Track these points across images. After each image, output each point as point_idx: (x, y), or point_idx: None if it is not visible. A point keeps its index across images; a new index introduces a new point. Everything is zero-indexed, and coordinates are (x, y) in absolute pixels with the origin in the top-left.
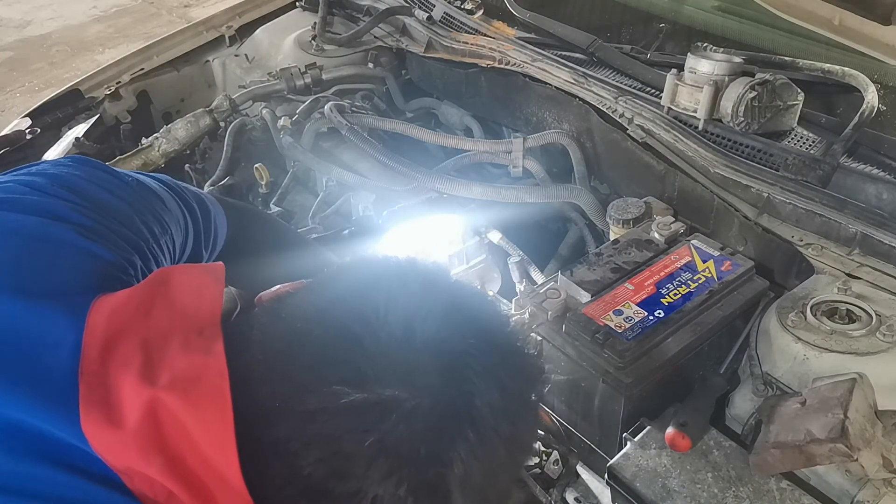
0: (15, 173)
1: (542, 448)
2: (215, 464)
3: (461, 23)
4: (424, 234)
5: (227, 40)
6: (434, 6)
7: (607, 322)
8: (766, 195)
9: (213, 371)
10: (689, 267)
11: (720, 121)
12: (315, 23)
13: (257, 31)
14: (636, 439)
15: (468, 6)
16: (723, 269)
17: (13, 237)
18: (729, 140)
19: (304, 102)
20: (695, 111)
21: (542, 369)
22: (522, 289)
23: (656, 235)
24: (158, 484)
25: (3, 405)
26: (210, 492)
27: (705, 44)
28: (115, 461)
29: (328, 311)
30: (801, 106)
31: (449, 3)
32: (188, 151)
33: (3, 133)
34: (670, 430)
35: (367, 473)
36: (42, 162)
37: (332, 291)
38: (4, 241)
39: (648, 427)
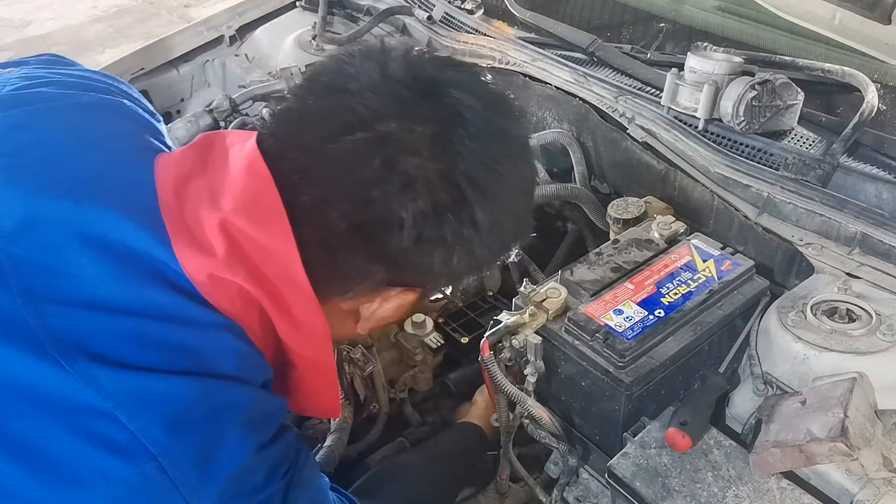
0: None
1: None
2: (284, 266)
3: (461, 22)
4: None
5: (227, 40)
6: (434, 6)
7: (607, 321)
8: (766, 195)
9: (265, 190)
10: (690, 266)
11: (720, 120)
12: (315, 23)
13: (257, 30)
14: (636, 439)
15: (468, 6)
16: (723, 268)
17: (99, 108)
18: (729, 140)
19: None
20: (695, 111)
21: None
22: (522, 289)
23: (656, 235)
24: (237, 294)
25: (119, 232)
26: (279, 291)
27: (705, 43)
28: (202, 278)
29: (311, 86)
30: (801, 106)
31: (449, 2)
32: None
33: None
34: (670, 430)
35: (385, 194)
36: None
37: (310, 82)
38: (95, 113)
39: (648, 426)
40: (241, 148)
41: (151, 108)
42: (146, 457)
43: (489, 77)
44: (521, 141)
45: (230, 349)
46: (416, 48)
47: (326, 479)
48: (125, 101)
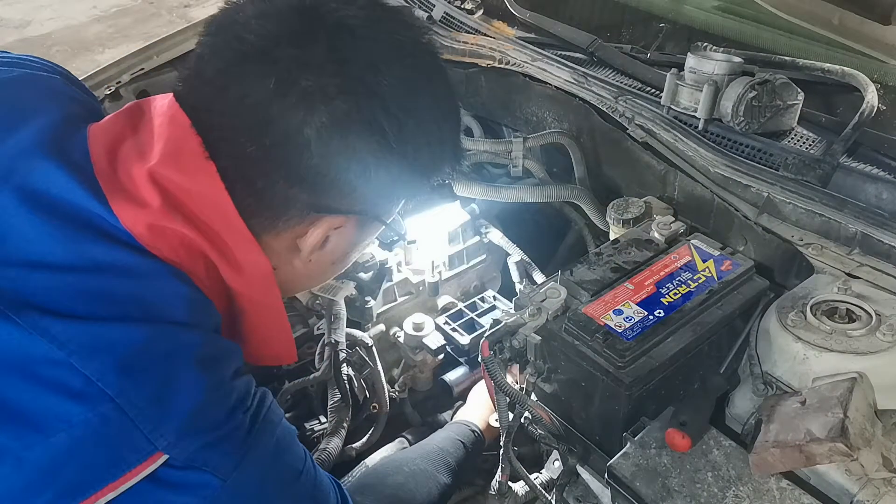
0: None
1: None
2: (217, 208)
3: (461, 22)
4: (427, 223)
5: None
6: (434, 6)
7: (607, 322)
8: (766, 195)
9: (186, 136)
10: (689, 266)
11: (720, 120)
12: None
13: None
14: (636, 439)
15: (468, 6)
16: (723, 268)
17: (29, 84)
18: (729, 140)
19: None
20: (695, 111)
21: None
22: (522, 289)
23: (656, 235)
24: (179, 242)
25: (58, 187)
26: (218, 234)
27: (705, 44)
28: (141, 229)
29: (207, 29)
30: (801, 106)
31: (449, 2)
32: None
33: None
34: (670, 430)
35: (284, 113)
36: None
37: (206, 27)
38: (26, 86)
39: (648, 426)
40: (163, 104)
41: (91, 92)
42: (103, 399)
43: None
44: (413, 41)
45: (176, 295)
46: None
47: (294, 428)
48: (59, 78)
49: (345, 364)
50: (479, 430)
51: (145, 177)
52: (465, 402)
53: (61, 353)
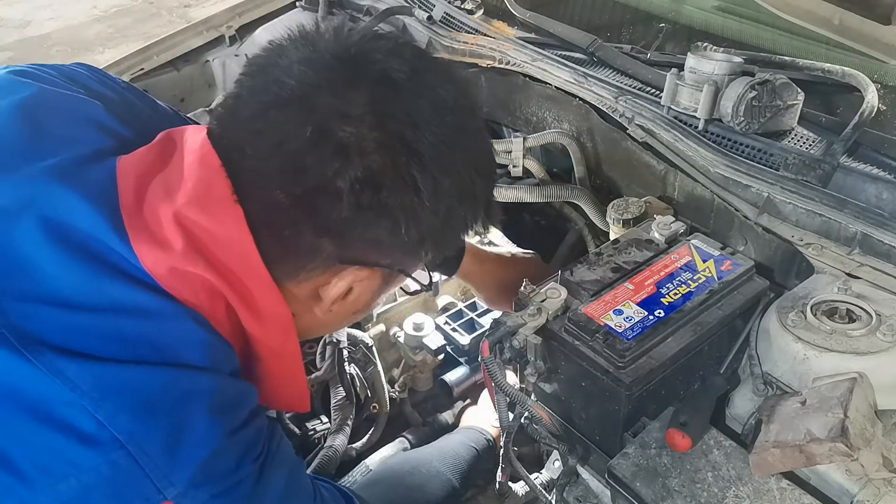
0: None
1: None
2: (241, 254)
3: (461, 22)
4: None
5: (227, 40)
6: (434, 6)
7: (607, 322)
8: (766, 195)
9: (216, 180)
10: (689, 266)
11: (720, 120)
12: None
13: (257, 30)
14: (636, 439)
15: (468, 6)
16: (723, 268)
17: (58, 109)
18: (729, 140)
19: None
20: (695, 111)
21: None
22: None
23: (656, 235)
24: (200, 286)
25: (81, 220)
26: (241, 280)
27: (705, 44)
28: (162, 272)
29: (248, 69)
30: (801, 106)
31: (449, 2)
32: None
33: None
34: (670, 430)
35: (318, 163)
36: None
37: (248, 66)
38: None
39: (648, 426)
40: (195, 140)
41: (144, 99)
42: (114, 445)
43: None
44: (455, 97)
45: (194, 339)
46: (347, 26)
47: (302, 461)
48: (100, 105)
49: (347, 362)
50: (493, 438)
51: (171, 218)
52: (466, 401)
53: (74, 395)
